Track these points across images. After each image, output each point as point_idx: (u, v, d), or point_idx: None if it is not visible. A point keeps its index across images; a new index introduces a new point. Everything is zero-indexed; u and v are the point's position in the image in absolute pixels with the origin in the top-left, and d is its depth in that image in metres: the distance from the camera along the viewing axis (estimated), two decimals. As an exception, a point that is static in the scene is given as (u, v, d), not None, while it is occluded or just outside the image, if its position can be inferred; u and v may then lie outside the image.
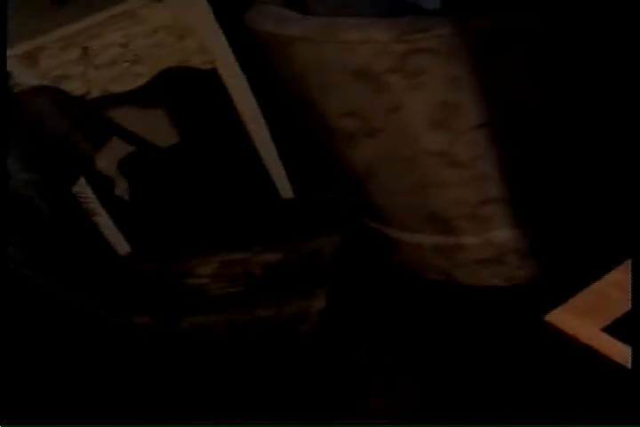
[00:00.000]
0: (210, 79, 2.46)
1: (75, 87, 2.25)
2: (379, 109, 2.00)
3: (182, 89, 3.18)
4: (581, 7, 1.89)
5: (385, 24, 1.89)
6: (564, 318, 1.34)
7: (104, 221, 2.49)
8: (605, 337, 1.27)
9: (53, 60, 2.24)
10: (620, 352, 1.23)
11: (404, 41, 1.84)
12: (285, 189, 2.60)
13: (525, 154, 2.05)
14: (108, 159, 2.15)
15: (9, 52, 2.09)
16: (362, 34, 1.88)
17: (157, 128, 3.26)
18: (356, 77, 1.95)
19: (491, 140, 2.00)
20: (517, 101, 1.95)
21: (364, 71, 1.93)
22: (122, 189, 2.27)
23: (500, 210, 2.14)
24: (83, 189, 2.39)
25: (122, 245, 2.46)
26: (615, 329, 1.27)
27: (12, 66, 2.12)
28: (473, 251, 2.24)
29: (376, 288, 2.42)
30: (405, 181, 2.16)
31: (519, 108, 1.96)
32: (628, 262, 1.38)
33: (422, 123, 1.98)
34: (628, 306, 1.28)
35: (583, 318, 1.31)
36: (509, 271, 2.25)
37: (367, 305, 2.38)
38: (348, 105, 2.04)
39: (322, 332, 1.85)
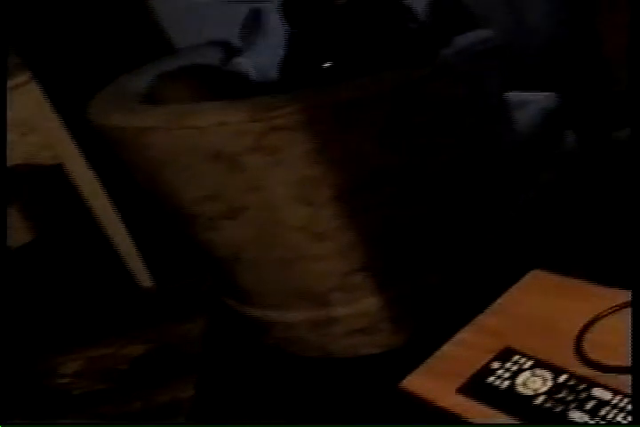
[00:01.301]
0: (57, 173, 2.44)
1: None
2: (239, 190, 2.00)
3: (31, 186, 3.14)
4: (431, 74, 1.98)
5: (239, 105, 1.91)
6: (418, 383, 1.37)
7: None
8: (460, 398, 1.30)
9: None
10: (474, 412, 1.27)
11: (259, 120, 1.85)
12: (144, 279, 2.57)
13: (386, 220, 2.07)
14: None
15: None
16: (216, 117, 1.88)
17: (8, 228, 3.19)
18: (214, 160, 1.94)
19: (353, 209, 2.02)
20: (374, 169, 1.99)
21: (221, 153, 1.93)
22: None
23: (368, 278, 2.15)
24: None
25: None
26: (468, 389, 1.30)
27: None
28: (346, 322, 2.23)
29: (249, 371, 2.36)
30: (272, 259, 2.14)
31: (376, 175, 1.99)
32: (475, 322, 1.44)
33: (284, 199, 1.99)
34: (476, 365, 1.33)
35: (436, 382, 1.34)
36: (384, 338, 2.25)
37: (239, 389, 2.32)
38: (207, 189, 2.03)
39: (195, 420, 1.83)
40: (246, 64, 2.50)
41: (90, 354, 1.99)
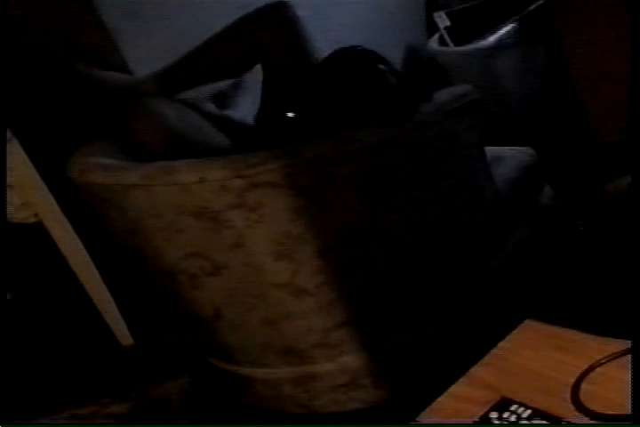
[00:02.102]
0: (36, 232, 2.43)
1: None
2: (221, 247, 1.99)
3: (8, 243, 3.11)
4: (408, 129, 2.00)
5: (220, 162, 1.92)
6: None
7: None
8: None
9: None
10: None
11: (241, 176, 1.86)
12: (125, 337, 2.55)
13: (368, 275, 2.07)
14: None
15: None
16: (198, 174, 1.89)
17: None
18: (195, 217, 1.94)
19: (334, 266, 2.02)
20: (355, 225, 2.00)
21: (203, 210, 1.93)
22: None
23: (350, 334, 2.14)
24: None
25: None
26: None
27: None
28: (328, 378, 2.21)
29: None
30: (253, 316, 2.14)
31: (358, 231, 2.00)
32: (468, 374, 1.44)
33: (266, 255, 1.99)
34: (473, 416, 1.32)
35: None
36: (367, 394, 2.24)
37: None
38: (188, 246, 2.03)
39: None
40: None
41: (72, 413, 1.96)
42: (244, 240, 1.97)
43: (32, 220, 2.37)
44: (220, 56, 2.57)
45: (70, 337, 2.81)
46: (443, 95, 2.16)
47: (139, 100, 2.24)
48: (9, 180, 2.29)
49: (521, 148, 2.62)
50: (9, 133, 2.29)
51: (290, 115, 2.26)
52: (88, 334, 2.70)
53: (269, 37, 2.61)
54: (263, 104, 2.55)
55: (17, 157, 2.30)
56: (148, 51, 2.64)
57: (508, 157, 2.54)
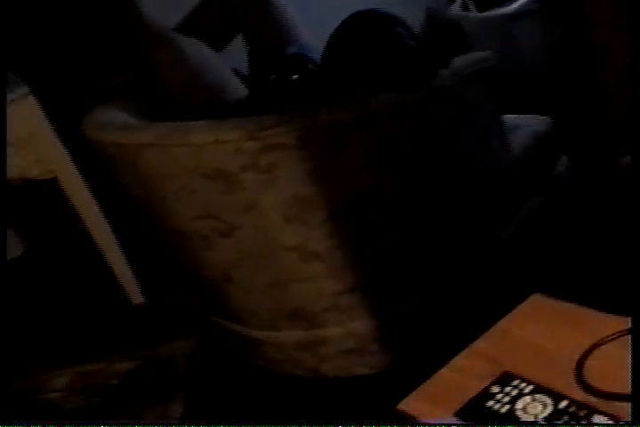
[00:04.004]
0: (51, 188, 2.44)
1: None
2: (234, 208, 2.00)
3: (23, 200, 3.13)
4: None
5: (235, 123, 1.91)
6: (415, 405, 1.36)
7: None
8: (458, 422, 1.30)
9: None
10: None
11: (255, 138, 1.86)
12: (135, 295, 2.56)
13: (378, 241, 2.07)
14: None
15: None
16: (212, 135, 1.89)
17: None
18: (209, 179, 1.94)
19: (345, 231, 2.02)
20: (366, 190, 1.99)
21: (217, 172, 1.93)
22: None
23: (359, 299, 2.14)
24: None
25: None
26: (466, 413, 1.30)
27: None
28: (337, 343, 2.22)
29: (238, 390, 2.35)
30: (264, 278, 2.14)
31: (369, 196, 2.00)
32: (471, 347, 1.44)
33: (278, 218, 1.99)
34: (475, 389, 1.33)
35: (434, 405, 1.34)
36: (374, 359, 2.25)
37: (229, 408, 2.31)
38: (201, 207, 2.03)
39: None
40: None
41: (80, 369, 1.97)
42: (257, 202, 1.97)
43: (47, 176, 2.37)
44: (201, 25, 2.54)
45: (81, 294, 2.83)
46: (461, 61, 2.14)
47: (162, 35, 2.23)
48: (24, 135, 2.30)
49: (538, 116, 2.60)
50: (26, 88, 2.28)
51: (294, 77, 2.24)
52: (99, 291, 2.72)
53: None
54: (252, 69, 2.52)
55: (33, 112, 2.30)
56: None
57: (524, 126, 2.52)
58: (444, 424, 1.28)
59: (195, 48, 2.27)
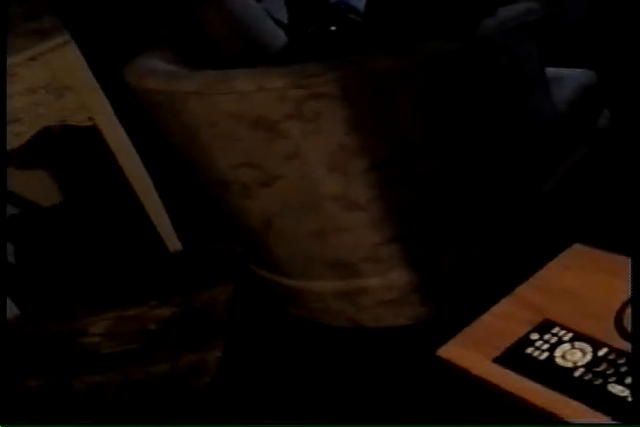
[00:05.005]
0: (91, 136, 2.45)
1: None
2: (276, 157, 2.00)
3: (63, 146, 3.15)
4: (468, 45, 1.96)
5: (279, 71, 1.90)
6: (455, 351, 1.37)
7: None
8: (496, 368, 1.30)
9: None
10: (511, 381, 1.27)
11: (300, 86, 1.85)
12: (174, 243, 2.58)
13: (420, 192, 2.07)
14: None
15: None
16: (256, 83, 1.88)
17: (40, 187, 3.22)
18: (252, 127, 1.94)
19: (386, 181, 2.02)
20: (409, 141, 1.98)
21: (260, 120, 1.92)
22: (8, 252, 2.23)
23: (399, 250, 2.15)
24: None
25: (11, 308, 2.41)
26: (505, 359, 1.31)
27: None
28: (377, 293, 2.23)
29: (275, 338, 2.37)
30: (304, 228, 2.14)
31: (413, 146, 1.99)
32: (513, 294, 1.44)
33: (320, 167, 1.99)
34: (514, 336, 1.33)
35: (473, 351, 1.35)
36: (414, 310, 2.26)
37: (266, 355, 2.31)
38: (244, 155, 2.03)
39: (220, 384, 1.84)
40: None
41: (119, 314, 2.00)
42: (300, 151, 1.97)
43: (87, 123, 2.38)
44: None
45: (120, 241, 2.86)
46: (507, 11, 2.10)
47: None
48: (64, 82, 2.30)
49: (581, 69, 2.57)
50: (67, 36, 2.28)
51: (332, 28, 2.22)
52: (137, 238, 2.74)
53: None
54: (291, 19, 2.50)
55: (74, 59, 2.30)
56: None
57: (567, 78, 2.49)
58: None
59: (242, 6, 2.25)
